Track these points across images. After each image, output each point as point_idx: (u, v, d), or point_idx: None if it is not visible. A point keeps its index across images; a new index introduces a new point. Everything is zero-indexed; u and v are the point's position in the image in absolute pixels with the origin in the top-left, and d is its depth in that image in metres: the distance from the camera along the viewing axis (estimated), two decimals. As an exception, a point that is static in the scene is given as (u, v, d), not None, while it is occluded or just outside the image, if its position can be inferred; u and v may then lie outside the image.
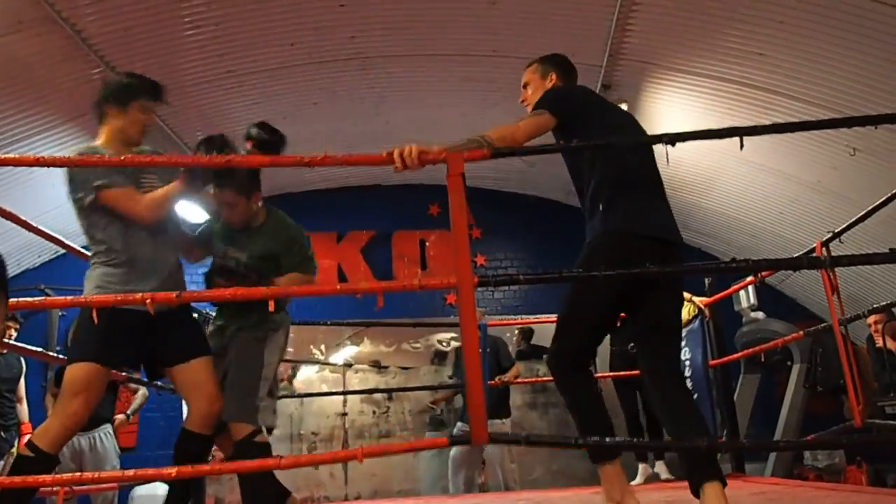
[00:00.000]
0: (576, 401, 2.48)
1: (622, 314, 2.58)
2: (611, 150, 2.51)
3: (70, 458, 5.46)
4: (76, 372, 2.56)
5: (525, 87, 2.90)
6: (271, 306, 2.32)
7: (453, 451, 6.07)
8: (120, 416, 5.78)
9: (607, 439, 2.37)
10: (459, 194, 2.19)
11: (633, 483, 5.56)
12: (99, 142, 2.76)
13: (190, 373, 2.72)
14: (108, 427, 5.65)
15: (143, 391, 5.98)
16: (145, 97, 2.79)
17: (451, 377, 6.76)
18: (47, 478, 2.42)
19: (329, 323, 6.75)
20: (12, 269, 7.78)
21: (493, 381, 5.38)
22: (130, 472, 2.28)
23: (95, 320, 2.30)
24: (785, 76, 5.31)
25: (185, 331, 2.78)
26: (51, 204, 6.80)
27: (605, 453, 2.43)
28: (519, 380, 6.24)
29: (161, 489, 6.85)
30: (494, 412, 5.50)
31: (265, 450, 2.79)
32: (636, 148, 2.58)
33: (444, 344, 6.97)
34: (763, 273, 4.69)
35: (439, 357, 6.65)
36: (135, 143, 2.80)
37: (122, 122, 2.74)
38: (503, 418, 5.88)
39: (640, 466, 5.66)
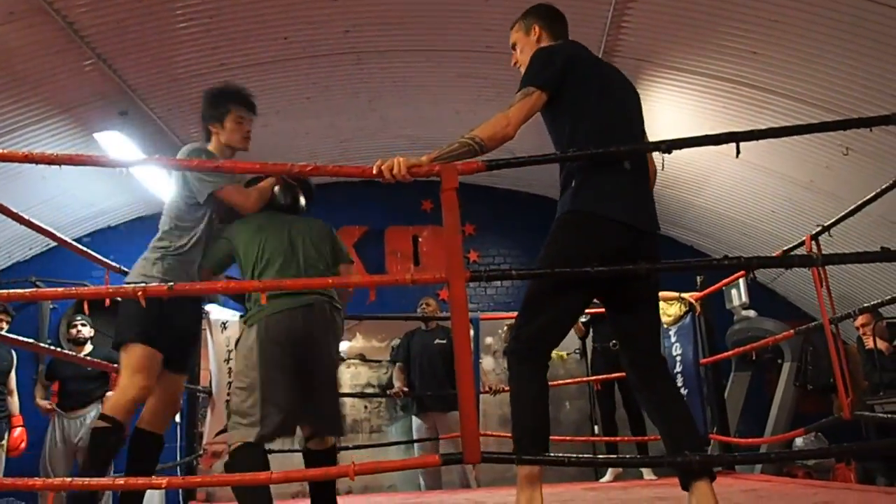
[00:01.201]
0: (529, 395, 2.22)
1: (597, 300, 2.44)
2: (594, 123, 2.36)
3: (61, 440, 5.53)
4: (130, 352, 2.76)
5: (513, 47, 2.75)
6: (263, 299, 2.33)
7: (416, 447, 6.09)
8: (109, 394, 5.76)
9: (613, 456, 2.32)
10: (453, 209, 2.16)
11: (602, 480, 5.58)
12: (210, 147, 3.01)
13: (177, 384, 3.02)
14: (99, 407, 5.71)
15: None
16: (236, 108, 3.00)
17: (393, 361, 6.71)
18: (37, 481, 2.41)
19: (321, 317, 6.73)
20: (3, 262, 7.74)
21: (485, 391, 5.38)
22: (121, 482, 2.27)
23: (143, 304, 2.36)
24: (779, 74, 5.33)
25: (193, 347, 3.08)
26: (42, 196, 6.78)
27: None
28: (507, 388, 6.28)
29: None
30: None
31: (241, 457, 2.66)
32: (624, 123, 2.45)
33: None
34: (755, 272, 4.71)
35: (395, 351, 6.66)
36: (241, 151, 3.07)
37: (222, 136, 2.99)
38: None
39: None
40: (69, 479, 2.34)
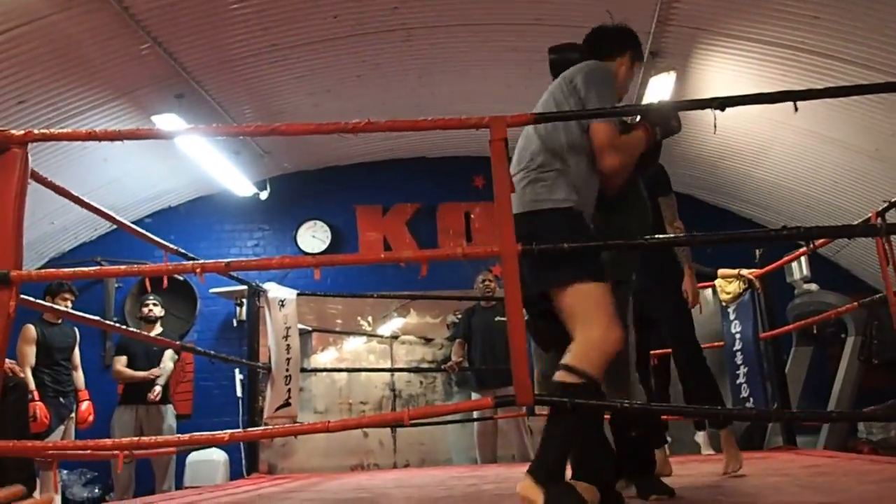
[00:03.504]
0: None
1: None
2: None
3: (129, 413, 5.76)
4: (598, 292, 2.21)
5: None
6: None
7: (475, 424, 6.13)
8: (157, 389, 5.80)
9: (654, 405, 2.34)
10: (502, 160, 2.18)
11: (704, 453, 5.50)
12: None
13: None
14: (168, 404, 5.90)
15: (169, 353, 5.95)
16: (632, 53, 2.65)
17: (450, 339, 6.89)
18: (107, 442, 2.52)
19: (376, 295, 6.83)
20: (70, 243, 8.02)
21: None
22: (185, 437, 2.35)
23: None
24: (842, 40, 5.12)
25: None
26: (104, 179, 6.99)
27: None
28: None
29: (216, 454, 7.05)
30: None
31: None
32: None
33: (458, 314, 7.13)
34: (816, 243, 4.58)
35: (453, 327, 6.78)
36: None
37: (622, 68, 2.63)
38: None
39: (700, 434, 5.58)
40: (136, 439, 2.43)
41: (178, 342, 5.37)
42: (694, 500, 2.57)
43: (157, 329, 6.02)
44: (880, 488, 2.57)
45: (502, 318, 5.94)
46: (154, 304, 6.03)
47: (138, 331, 5.70)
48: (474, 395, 6.21)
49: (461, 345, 6.18)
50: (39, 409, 5.02)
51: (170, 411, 5.93)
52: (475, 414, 6.13)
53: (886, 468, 3.23)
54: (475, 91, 6.98)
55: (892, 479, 2.77)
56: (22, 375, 4.64)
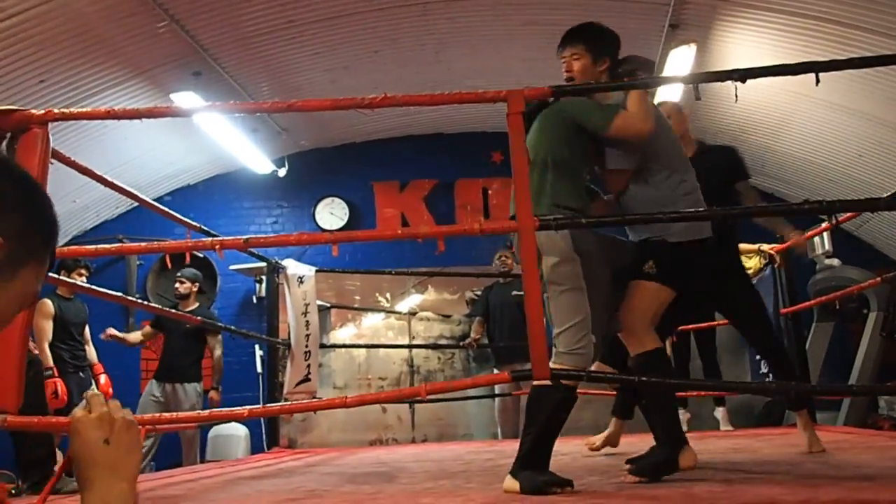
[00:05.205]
0: None
1: None
2: None
3: (159, 393, 5.78)
4: None
5: None
6: None
7: (497, 400, 6.17)
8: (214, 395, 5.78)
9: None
10: (519, 133, 2.17)
11: (722, 429, 5.49)
12: None
13: None
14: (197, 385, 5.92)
15: (218, 339, 5.98)
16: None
17: (469, 316, 7.07)
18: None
19: (394, 272, 6.85)
20: (91, 221, 8.11)
21: None
22: (205, 413, 2.38)
23: None
24: (865, 8, 5.01)
25: None
26: (125, 157, 7.04)
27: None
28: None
29: (237, 429, 7.15)
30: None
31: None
32: None
33: (476, 291, 7.20)
34: (839, 217, 4.52)
35: (472, 304, 6.87)
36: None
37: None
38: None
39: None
40: (158, 415, 2.47)
41: (199, 319, 5.41)
42: (709, 473, 2.57)
43: (193, 305, 5.93)
44: (900, 463, 2.56)
45: (519, 293, 5.96)
46: (181, 282, 5.94)
47: (160, 307, 5.74)
48: (495, 371, 6.24)
49: (481, 323, 6.20)
50: (60, 385, 4.91)
51: (195, 389, 5.87)
52: (496, 389, 6.16)
53: (907, 443, 3.22)
54: (492, 66, 6.92)
55: (912, 454, 2.76)
56: (36, 352, 4.56)
